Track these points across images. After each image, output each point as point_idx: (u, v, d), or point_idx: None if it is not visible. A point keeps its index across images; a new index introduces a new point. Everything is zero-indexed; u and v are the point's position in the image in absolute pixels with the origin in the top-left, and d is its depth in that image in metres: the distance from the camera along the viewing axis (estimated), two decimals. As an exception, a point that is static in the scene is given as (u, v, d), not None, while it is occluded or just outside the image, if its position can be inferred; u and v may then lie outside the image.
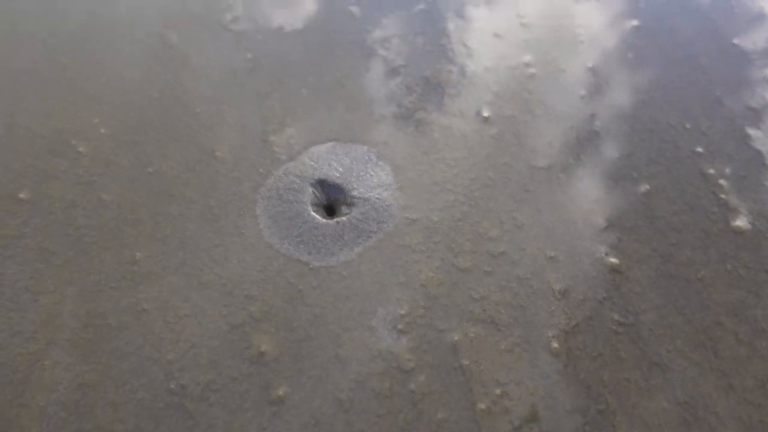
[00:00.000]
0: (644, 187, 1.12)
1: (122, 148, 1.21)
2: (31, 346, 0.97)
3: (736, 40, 1.37)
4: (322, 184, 1.13)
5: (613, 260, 1.03)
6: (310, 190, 1.12)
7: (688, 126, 1.21)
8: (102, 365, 0.94)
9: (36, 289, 1.03)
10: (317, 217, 1.09)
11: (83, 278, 1.04)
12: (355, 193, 1.11)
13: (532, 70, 1.32)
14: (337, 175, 1.13)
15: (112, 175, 1.17)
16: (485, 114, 1.24)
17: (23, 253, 1.07)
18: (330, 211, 1.13)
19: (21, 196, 1.14)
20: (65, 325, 0.99)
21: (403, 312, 0.98)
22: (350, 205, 1.10)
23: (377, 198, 1.10)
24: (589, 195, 1.12)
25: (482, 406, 0.89)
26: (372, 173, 1.14)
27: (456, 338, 0.96)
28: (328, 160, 1.16)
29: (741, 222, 1.07)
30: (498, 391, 0.90)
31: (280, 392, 0.90)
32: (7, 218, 1.11)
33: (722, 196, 1.11)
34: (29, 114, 1.26)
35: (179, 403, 0.90)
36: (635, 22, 1.42)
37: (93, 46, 1.39)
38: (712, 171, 1.14)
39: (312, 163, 1.16)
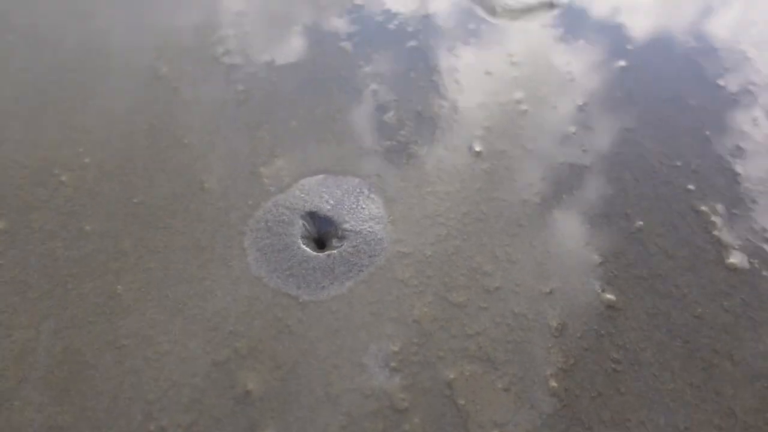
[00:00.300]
0: (637, 224, 1.11)
1: (107, 178, 1.18)
2: (0, 385, 0.91)
3: (721, 82, 1.39)
4: (313, 217, 1.11)
5: (609, 296, 1.01)
6: (300, 222, 1.10)
7: (678, 164, 1.21)
8: (76, 406, 0.89)
9: (9, 324, 0.97)
10: (307, 250, 1.06)
11: (60, 312, 0.99)
12: (346, 226, 1.08)
13: (523, 107, 1.33)
14: (328, 207, 1.11)
15: (95, 206, 1.13)
16: (477, 148, 1.24)
17: (-3, 285, 1.02)
18: (320, 244, 1.11)
19: (-2, 226, 1.10)
20: (39, 363, 0.93)
21: (395, 349, 0.95)
22: (341, 238, 1.08)
23: (369, 231, 1.08)
24: (582, 230, 1.11)
25: (479, 448, 0.85)
26: (363, 206, 1.12)
27: (451, 376, 0.92)
28: (319, 193, 1.14)
29: (735, 259, 1.06)
30: (495, 433, 0.86)
31: (267, 434, 0.85)
32: (-18, 249, 1.06)
33: (715, 233, 1.10)
34: (12, 143, 1.23)
35: (158, 446, 0.84)
36: (622, 63, 1.45)
37: (81, 76, 1.38)
38: (704, 208, 1.14)
39: (302, 195, 1.13)
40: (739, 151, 1.24)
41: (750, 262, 1.06)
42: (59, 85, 1.35)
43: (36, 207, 1.12)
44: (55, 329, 0.97)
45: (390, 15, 1.56)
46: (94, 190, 1.16)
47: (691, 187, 1.18)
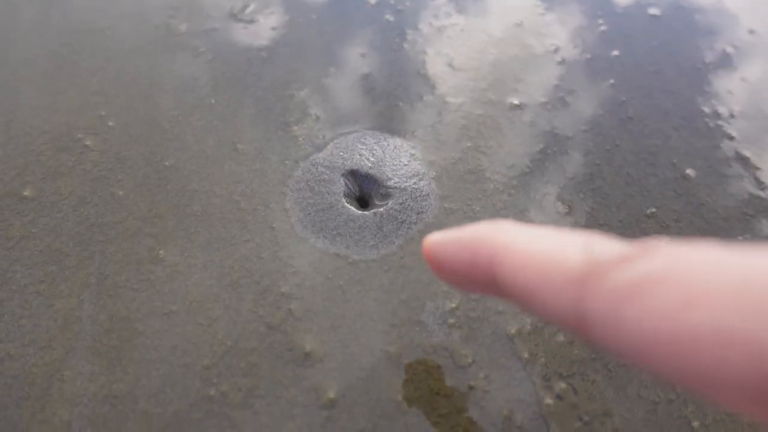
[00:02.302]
0: (686, 172, 1.09)
1: (134, 141, 1.12)
2: (47, 356, 0.87)
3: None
4: (354, 175, 1.07)
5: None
6: (342, 180, 1.06)
7: (721, 110, 1.19)
8: (130, 374, 0.86)
9: (49, 293, 0.93)
10: (352, 209, 1.02)
11: (101, 280, 0.95)
12: (390, 183, 1.05)
13: (559, 57, 1.29)
14: (369, 165, 1.07)
15: (124, 170, 1.08)
16: (516, 101, 1.20)
17: (32, 255, 0.97)
18: (362, 202, 1.07)
19: (25, 193, 1.04)
20: (85, 332, 0.90)
21: (453, 305, 0.93)
22: (385, 195, 1.04)
23: (414, 188, 1.05)
24: (630, 180, 1.08)
25: (549, 401, 0.83)
26: (405, 162, 1.08)
27: (512, 331, 0.90)
28: (358, 150, 1.10)
29: (784, 205, 1.05)
30: (563, 385, 0.85)
31: (331, 395, 0.83)
32: (11, 218, 1.01)
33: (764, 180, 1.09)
34: (28, 108, 1.17)
35: (221, 411, 0.82)
36: (655, 11, 1.40)
37: (94, 36, 1.30)
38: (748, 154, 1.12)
39: (341, 153, 1.09)
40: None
41: (801, 208, 1.04)
42: (71, 46, 1.28)
43: (62, 173, 1.07)
44: (97, 297, 0.93)
45: (412, -34, 1.50)
46: (122, 154, 1.11)
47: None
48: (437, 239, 0.45)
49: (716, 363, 0.22)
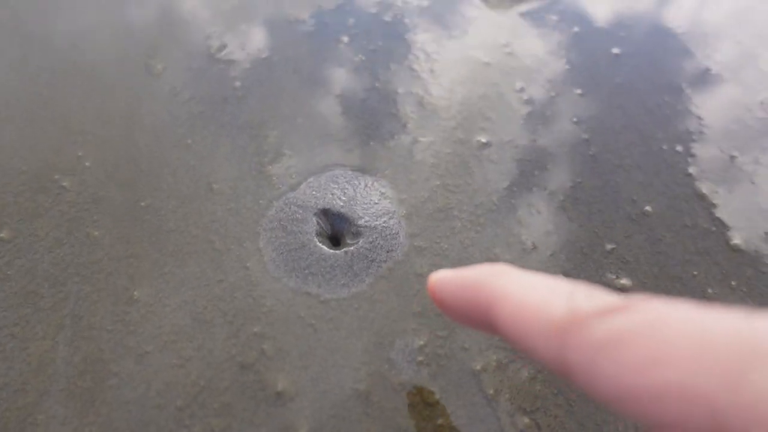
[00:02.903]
0: (645, 209, 1.14)
1: (110, 182, 1.15)
2: (20, 399, 0.88)
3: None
4: (326, 214, 1.10)
5: (624, 281, 1.04)
6: (314, 220, 1.09)
7: (679, 149, 1.25)
8: (103, 416, 0.87)
9: (23, 336, 0.95)
10: (324, 248, 1.05)
11: (76, 321, 0.97)
12: (361, 222, 1.08)
13: (525, 96, 1.34)
14: (341, 204, 1.11)
15: (101, 211, 1.10)
16: (483, 140, 1.25)
17: (6, 297, 0.99)
18: (335, 241, 1.10)
19: (2, 235, 1.06)
20: (59, 374, 0.91)
21: (421, 343, 0.96)
22: (356, 234, 1.07)
23: (384, 226, 1.08)
24: (593, 217, 1.13)
25: (512, 436, 0.86)
26: (376, 201, 1.12)
27: (478, 367, 0.93)
28: (330, 189, 1.13)
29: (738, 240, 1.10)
30: (526, 420, 0.88)
31: (301, 434, 0.85)
32: (-13, 260, 1.03)
33: (718, 214, 1.14)
34: (8, 148, 1.19)
35: (193, 452, 0.84)
36: (617, 50, 1.47)
37: (73, 76, 1.33)
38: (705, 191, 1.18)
39: (313, 193, 1.13)
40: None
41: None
42: (52, 86, 1.31)
43: (39, 214, 1.09)
44: (72, 339, 0.95)
45: (385, 6, 1.55)
46: (98, 194, 1.13)
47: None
48: (441, 278, 0.49)
49: (681, 418, 0.24)
